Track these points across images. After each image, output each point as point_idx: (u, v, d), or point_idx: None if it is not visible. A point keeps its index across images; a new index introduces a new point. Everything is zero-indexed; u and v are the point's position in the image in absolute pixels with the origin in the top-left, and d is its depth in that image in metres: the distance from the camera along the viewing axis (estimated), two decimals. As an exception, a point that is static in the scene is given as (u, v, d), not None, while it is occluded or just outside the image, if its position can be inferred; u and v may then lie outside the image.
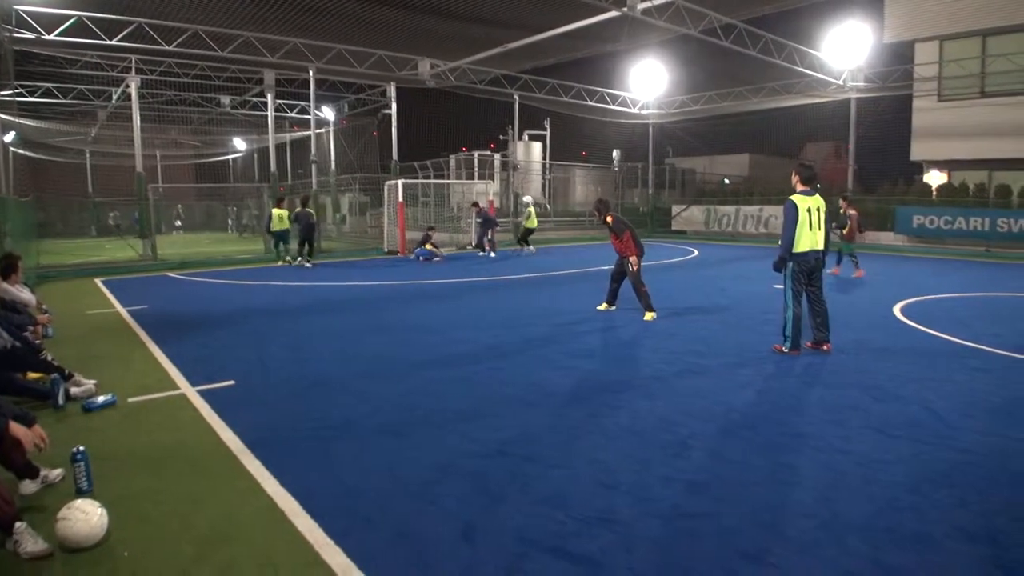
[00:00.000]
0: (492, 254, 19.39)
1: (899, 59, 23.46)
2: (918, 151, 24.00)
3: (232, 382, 6.10)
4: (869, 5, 23.22)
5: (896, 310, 9.83)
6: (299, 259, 17.04)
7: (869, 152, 25.47)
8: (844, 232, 14.18)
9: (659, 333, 8.15)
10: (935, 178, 23.68)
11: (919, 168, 24.75)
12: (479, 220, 20.33)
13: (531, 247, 20.61)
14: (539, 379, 6.14)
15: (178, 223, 35.91)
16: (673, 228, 28.38)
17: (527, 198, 21.01)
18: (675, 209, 28.94)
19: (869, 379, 6.17)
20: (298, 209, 17.09)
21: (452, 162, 30.42)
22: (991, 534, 3.35)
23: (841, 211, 14.30)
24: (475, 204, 21.09)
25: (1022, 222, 19.53)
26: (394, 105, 22.01)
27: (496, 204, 21.54)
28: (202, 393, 5.79)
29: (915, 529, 3.40)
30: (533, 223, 20.54)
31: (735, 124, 31.00)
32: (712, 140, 38.79)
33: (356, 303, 10.83)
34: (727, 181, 36.70)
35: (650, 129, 29.31)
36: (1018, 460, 4.31)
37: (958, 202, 21.54)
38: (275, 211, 17.30)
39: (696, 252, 20.16)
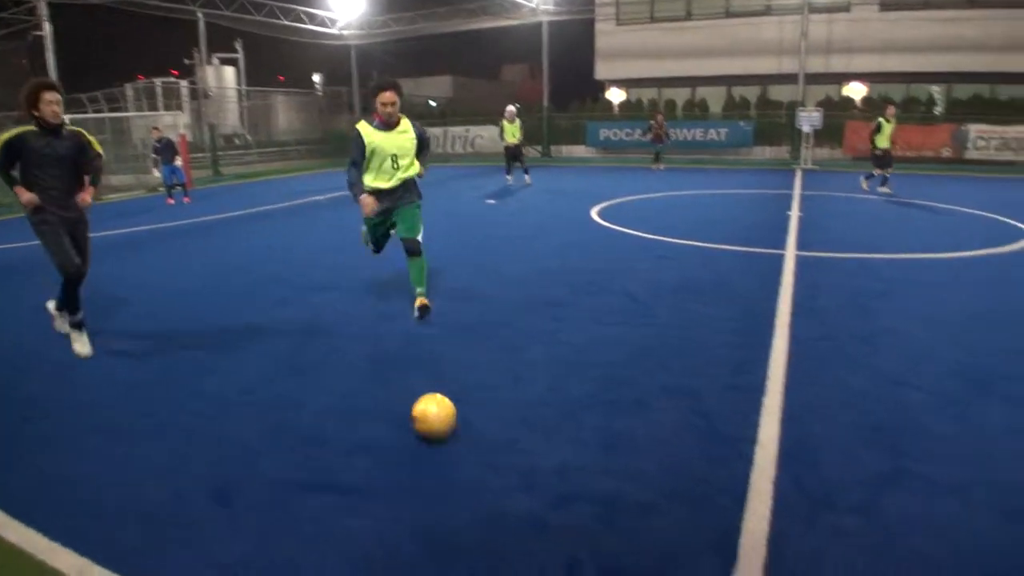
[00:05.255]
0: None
1: (581, -17, 25.37)
2: (601, 71, 26.52)
3: None
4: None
5: (593, 213, 10.97)
6: None
7: (560, 72, 27.62)
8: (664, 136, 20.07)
9: (390, 257, 8.13)
10: (616, 95, 26.42)
11: (602, 86, 27.39)
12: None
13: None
14: (274, 317, 5.83)
15: None
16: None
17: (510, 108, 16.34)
18: (387, 134, 28.72)
19: (579, 278, 6.86)
20: None
21: (129, 92, 26.67)
22: (690, 390, 4.01)
23: (655, 124, 19.83)
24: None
25: (686, 132, 22.82)
26: (48, 25, 18.44)
27: (188, 137, 19.33)
28: None
29: (632, 396, 3.94)
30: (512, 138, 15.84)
31: (436, 46, 31.33)
32: (415, 62, 38.79)
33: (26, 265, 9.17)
34: (432, 103, 37.28)
35: (352, 51, 28.41)
36: (698, 327, 5.16)
37: (636, 116, 24.38)
38: None
39: (412, 175, 20.34)
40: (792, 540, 2.64)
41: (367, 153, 5.24)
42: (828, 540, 2.65)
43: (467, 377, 4.31)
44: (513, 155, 15.91)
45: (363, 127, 5.23)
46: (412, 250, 5.50)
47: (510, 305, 5.93)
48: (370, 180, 5.34)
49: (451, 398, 3.83)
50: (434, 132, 26.93)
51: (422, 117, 30.04)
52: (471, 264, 7.62)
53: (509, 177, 16.33)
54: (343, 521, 2.82)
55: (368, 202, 5.26)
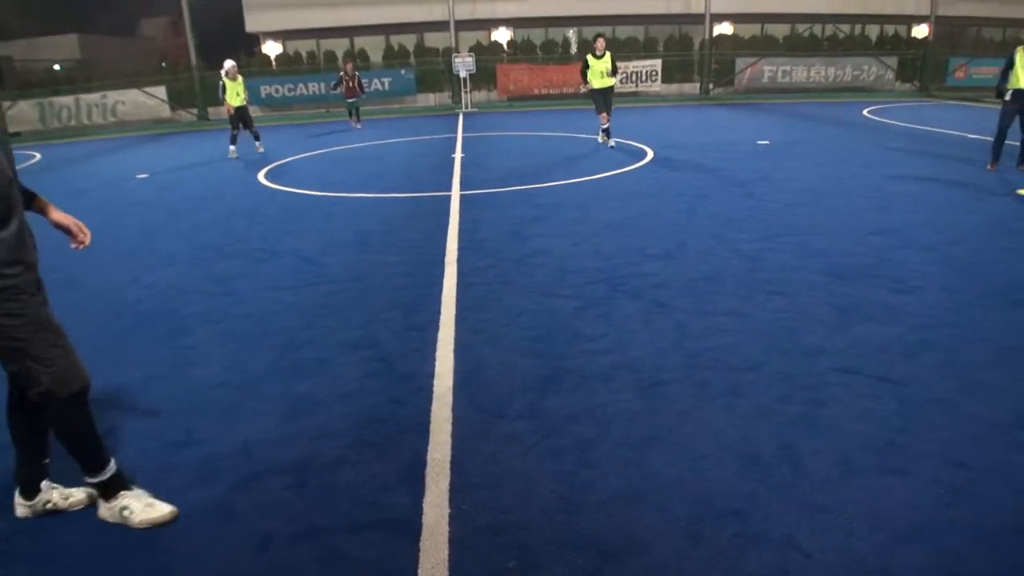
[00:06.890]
0: None
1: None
2: (252, 23, 24.84)
3: None
4: None
5: (261, 176, 10.40)
6: None
7: (207, 25, 25.19)
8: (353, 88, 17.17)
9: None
10: (273, 48, 25.01)
11: (257, 40, 25.73)
12: None
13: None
14: None
15: None
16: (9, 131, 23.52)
17: None
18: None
19: (249, 245, 6.48)
20: None
21: None
22: (369, 339, 4.06)
23: (346, 76, 17.00)
24: None
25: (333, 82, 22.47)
26: None
27: None
28: None
29: (313, 357, 3.86)
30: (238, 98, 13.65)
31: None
32: (28, 19, 32.83)
33: None
34: (58, 68, 31.88)
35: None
36: (373, 277, 5.25)
37: (296, 71, 23.40)
38: None
39: (38, 156, 17.24)
40: (471, 457, 2.85)
41: None
42: (502, 447, 2.90)
43: (125, 376, 3.82)
44: (241, 119, 13.36)
45: None
46: None
47: (173, 288, 5.38)
48: None
49: (105, 405, 3.42)
50: (64, 102, 23.02)
51: (44, 84, 25.49)
52: (124, 251, 6.70)
53: (233, 148, 13.16)
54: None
55: None
